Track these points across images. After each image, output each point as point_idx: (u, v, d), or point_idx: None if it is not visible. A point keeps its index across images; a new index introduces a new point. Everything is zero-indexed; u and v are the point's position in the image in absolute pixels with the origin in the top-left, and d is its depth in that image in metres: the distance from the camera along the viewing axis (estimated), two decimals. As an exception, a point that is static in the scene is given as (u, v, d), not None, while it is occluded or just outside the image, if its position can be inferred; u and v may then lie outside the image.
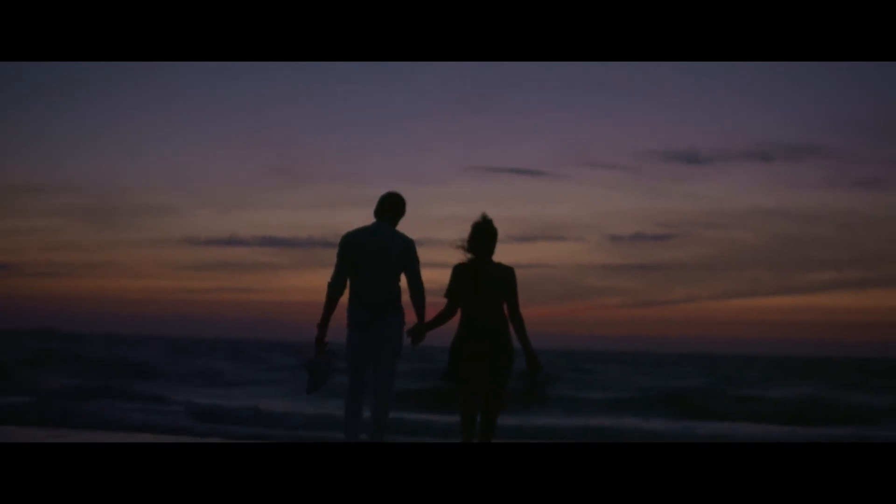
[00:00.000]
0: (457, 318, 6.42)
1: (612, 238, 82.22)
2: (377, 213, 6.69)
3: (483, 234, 6.34)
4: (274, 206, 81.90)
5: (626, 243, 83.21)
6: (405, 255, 6.56)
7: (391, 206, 6.68)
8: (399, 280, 6.61)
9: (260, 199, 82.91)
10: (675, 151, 71.44)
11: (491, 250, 6.35)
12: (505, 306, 6.34)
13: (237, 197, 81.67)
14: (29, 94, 66.67)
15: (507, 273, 6.32)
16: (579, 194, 79.60)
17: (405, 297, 6.66)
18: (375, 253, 6.52)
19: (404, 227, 6.77)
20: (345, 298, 6.63)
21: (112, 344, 55.16)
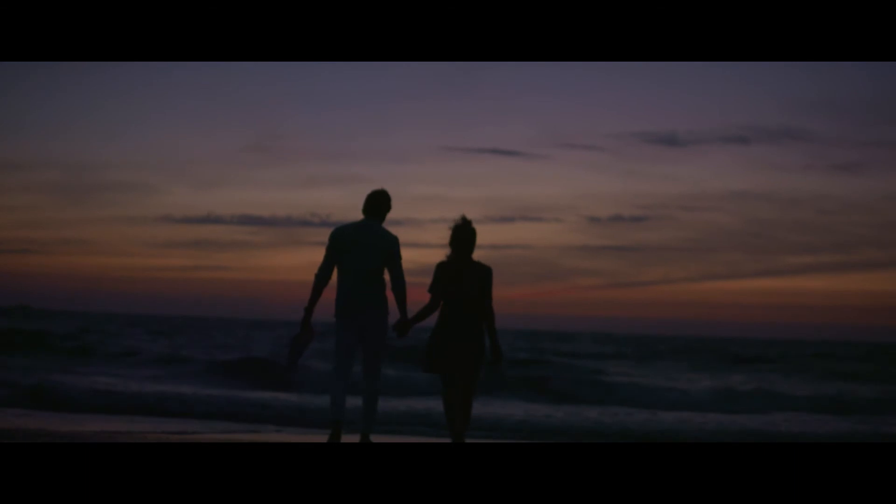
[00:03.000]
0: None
1: (589, 219, 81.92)
2: (366, 210, 7.03)
3: (463, 235, 6.91)
4: (252, 185, 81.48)
5: (603, 225, 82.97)
6: (391, 251, 6.95)
7: (379, 204, 7.03)
8: (383, 274, 7.00)
9: (238, 177, 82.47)
10: (654, 134, 71.35)
11: (471, 249, 6.94)
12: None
13: (215, 175, 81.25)
14: (8, 74, 66.82)
15: (486, 272, 6.95)
16: (557, 175, 79.21)
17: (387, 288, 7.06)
18: (364, 248, 6.91)
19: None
20: (332, 292, 7.02)
21: (76, 321, 55.23)
